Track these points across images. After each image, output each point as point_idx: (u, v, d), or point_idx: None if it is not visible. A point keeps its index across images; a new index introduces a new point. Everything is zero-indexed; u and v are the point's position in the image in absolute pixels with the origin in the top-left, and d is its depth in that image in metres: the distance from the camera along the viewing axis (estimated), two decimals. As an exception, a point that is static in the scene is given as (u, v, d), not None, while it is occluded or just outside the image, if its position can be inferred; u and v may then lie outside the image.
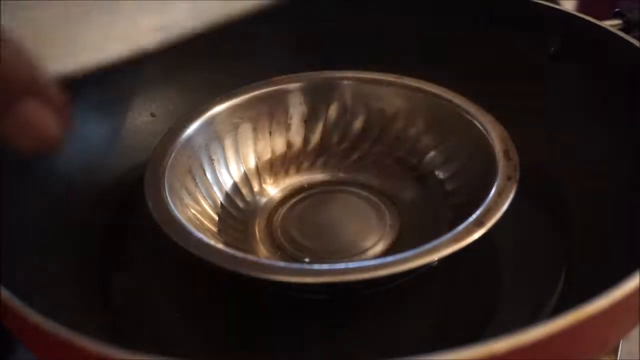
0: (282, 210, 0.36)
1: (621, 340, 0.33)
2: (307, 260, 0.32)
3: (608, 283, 0.20)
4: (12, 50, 0.17)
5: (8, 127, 0.18)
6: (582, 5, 0.65)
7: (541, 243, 0.34)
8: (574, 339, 0.19)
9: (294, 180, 0.38)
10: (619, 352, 0.33)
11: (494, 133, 0.33)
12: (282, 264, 0.29)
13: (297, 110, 0.38)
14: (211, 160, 0.36)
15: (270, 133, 0.38)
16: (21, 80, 0.18)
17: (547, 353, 0.19)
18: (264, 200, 0.36)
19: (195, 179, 0.34)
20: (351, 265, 0.27)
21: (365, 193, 0.36)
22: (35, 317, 0.21)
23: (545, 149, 0.36)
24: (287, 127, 0.38)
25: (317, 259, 0.32)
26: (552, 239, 0.33)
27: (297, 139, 0.38)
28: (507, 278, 0.33)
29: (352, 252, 0.33)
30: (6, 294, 0.22)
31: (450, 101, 0.36)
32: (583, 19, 0.37)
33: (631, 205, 0.31)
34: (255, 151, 0.37)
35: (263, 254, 0.33)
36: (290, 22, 0.38)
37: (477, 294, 0.32)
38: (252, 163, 0.37)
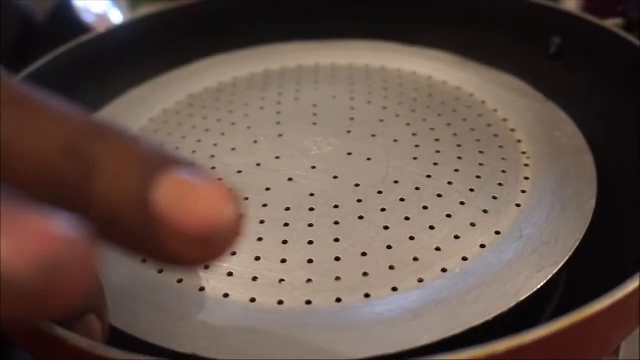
0: None
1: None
2: None
3: (608, 285, 0.20)
4: None
5: None
6: (587, 4, 0.65)
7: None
8: (573, 340, 0.19)
9: None
10: (620, 353, 0.33)
11: None
12: None
13: None
14: None
15: None
16: None
17: (547, 354, 0.19)
18: None
19: None
20: None
21: None
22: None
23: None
24: None
25: None
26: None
27: None
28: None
29: None
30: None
31: None
32: (583, 19, 0.37)
33: (630, 206, 0.31)
34: None
35: None
36: None
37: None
38: None
